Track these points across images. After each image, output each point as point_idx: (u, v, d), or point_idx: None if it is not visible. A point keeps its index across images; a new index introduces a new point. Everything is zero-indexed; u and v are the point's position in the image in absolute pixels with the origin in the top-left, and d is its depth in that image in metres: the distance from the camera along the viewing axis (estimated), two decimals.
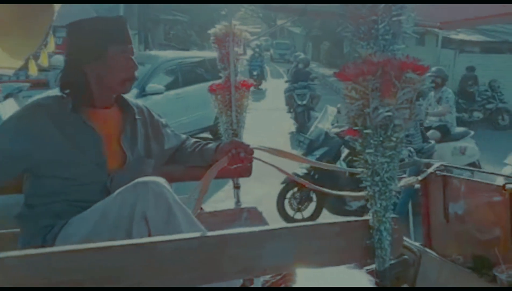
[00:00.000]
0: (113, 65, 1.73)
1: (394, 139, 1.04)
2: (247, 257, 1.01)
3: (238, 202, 2.40)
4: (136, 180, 1.56)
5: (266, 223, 2.18)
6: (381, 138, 1.04)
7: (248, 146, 2.01)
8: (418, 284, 2.40)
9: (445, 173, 2.30)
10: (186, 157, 2.08)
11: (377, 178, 1.06)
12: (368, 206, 1.10)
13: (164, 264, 0.95)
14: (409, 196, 2.60)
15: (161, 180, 1.57)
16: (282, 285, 1.59)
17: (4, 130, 1.68)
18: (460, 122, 11.47)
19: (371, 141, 1.03)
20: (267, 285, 1.64)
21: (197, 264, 0.98)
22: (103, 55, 1.72)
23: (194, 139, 2.18)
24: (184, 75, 8.06)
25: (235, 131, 2.32)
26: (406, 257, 2.54)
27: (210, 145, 2.06)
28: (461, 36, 13.58)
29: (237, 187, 2.41)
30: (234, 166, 2.00)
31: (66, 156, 1.67)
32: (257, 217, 2.25)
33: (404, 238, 2.59)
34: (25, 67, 2.13)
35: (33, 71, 2.15)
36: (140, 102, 2.04)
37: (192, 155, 2.06)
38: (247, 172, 2.26)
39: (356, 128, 1.04)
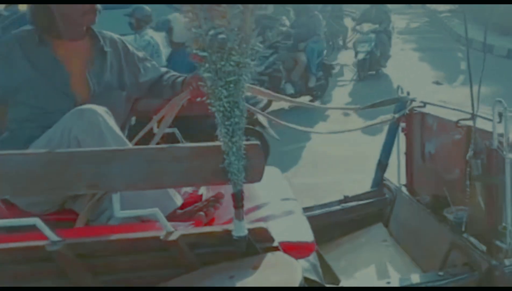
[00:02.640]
0: None
1: (233, 63, 0.99)
2: (93, 173, 1.06)
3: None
4: (76, 108, 1.65)
5: None
6: (222, 62, 1.00)
7: None
8: (391, 223, 2.33)
9: (422, 110, 2.12)
10: (162, 90, 2.09)
11: (219, 103, 1.03)
12: (217, 132, 1.08)
13: (14, 176, 1.04)
14: (395, 135, 2.45)
15: (99, 109, 1.63)
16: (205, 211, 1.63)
17: None
18: None
19: (207, 65, 1.00)
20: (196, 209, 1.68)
21: (45, 177, 1.05)
22: None
23: (172, 73, 2.18)
24: None
25: None
26: (387, 196, 2.46)
27: (181, 78, 2.06)
28: None
29: None
30: (198, 99, 2.01)
31: (34, 85, 1.77)
32: None
33: (386, 177, 2.49)
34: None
35: (22, 6, 2.24)
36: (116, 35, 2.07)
37: (165, 87, 2.08)
38: None
39: (195, 51, 1.01)
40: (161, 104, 2.12)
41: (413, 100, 2.29)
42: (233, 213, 1.61)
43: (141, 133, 1.98)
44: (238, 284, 1.07)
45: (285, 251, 1.26)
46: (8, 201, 1.63)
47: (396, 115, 2.21)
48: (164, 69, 2.14)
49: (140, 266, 1.23)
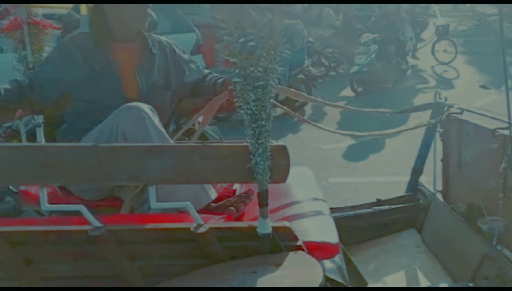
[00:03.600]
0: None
1: (261, 69, 1.02)
2: (132, 167, 1.13)
3: None
4: (124, 105, 1.74)
5: None
6: (251, 68, 1.03)
7: None
8: (424, 230, 2.27)
9: (459, 117, 2.05)
10: (204, 90, 2.17)
11: (247, 106, 1.06)
12: (246, 132, 1.11)
13: (63, 165, 1.13)
14: (431, 141, 2.38)
15: (144, 107, 1.72)
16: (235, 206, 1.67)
17: (49, 60, 1.99)
18: None
19: (237, 70, 1.03)
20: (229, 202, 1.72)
21: (91, 167, 1.13)
22: None
23: (213, 74, 2.25)
24: None
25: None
26: (421, 202, 2.40)
27: (221, 79, 2.13)
28: None
29: None
30: (236, 100, 2.05)
31: (90, 82, 1.90)
32: None
33: (421, 183, 2.43)
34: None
35: (84, 10, 2.39)
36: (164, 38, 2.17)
37: (207, 88, 2.15)
38: None
39: (226, 57, 1.05)
40: (202, 103, 2.20)
41: (450, 106, 2.22)
42: None
43: (182, 130, 2.06)
44: (259, 280, 1.10)
45: (309, 251, 1.27)
46: (64, 187, 1.75)
47: (433, 121, 2.15)
48: (206, 71, 2.21)
49: (172, 255, 1.30)
